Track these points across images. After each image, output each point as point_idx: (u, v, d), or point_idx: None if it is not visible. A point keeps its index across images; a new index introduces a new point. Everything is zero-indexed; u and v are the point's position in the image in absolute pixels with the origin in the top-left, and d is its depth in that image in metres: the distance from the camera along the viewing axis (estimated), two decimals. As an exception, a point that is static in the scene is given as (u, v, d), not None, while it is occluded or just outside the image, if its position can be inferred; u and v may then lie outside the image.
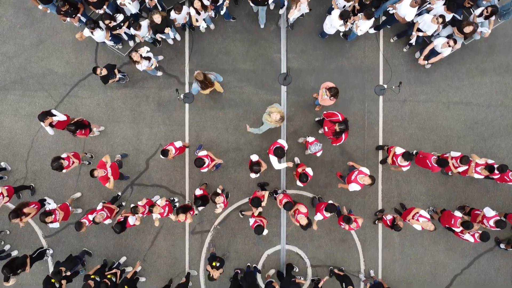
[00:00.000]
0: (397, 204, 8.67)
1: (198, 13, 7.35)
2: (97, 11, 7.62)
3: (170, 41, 8.57)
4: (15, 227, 8.77)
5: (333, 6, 7.46)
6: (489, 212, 7.33)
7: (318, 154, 7.37)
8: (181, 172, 8.73)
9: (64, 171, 7.29)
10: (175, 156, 7.62)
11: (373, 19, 7.26)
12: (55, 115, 7.25)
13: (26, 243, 8.79)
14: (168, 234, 8.77)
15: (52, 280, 7.44)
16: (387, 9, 7.79)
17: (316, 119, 8.51)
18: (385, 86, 8.41)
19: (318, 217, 7.14)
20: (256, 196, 7.25)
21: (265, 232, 7.27)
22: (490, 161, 7.19)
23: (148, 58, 7.53)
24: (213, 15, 7.93)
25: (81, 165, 8.69)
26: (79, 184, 8.74)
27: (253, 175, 7.24)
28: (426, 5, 7.51)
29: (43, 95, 8.72)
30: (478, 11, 7.37)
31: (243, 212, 8.54)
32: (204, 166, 7.21)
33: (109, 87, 8.64)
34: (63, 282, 7.41)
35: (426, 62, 8.04)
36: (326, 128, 7.31)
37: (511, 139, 8.65)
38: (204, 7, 7.24)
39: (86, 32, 7.48)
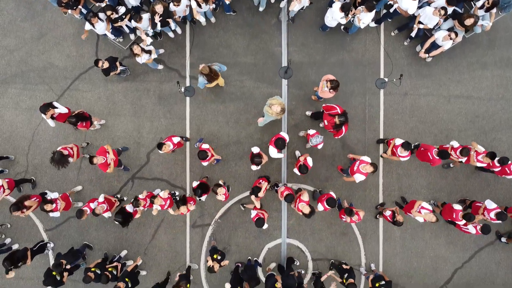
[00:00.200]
0: (398, 198, 8.66)
1: (200, 6, 7.35)
2: (97, 4, 7.63)
3: (171, 35, 8.58)
4: (16, 221, 8.77)
5: (334, -1, 7.47)
6: (490, 204, 7.32)
7: (319, 147, 7.37)
8: (182, 166, 8.73)
9: (70, 159, 7.36)
10: (172, 151, 7.60)
11: (374, 11, 7.27)
12: (56, 107, 7.25)
13: (27, 236, 8.78)
14: (169, 228, 8.76)
15: (53, 273, 7.46)
16: (388, 2, 7.79)
17: (307, 113, 8.51)
18: (386, 79, 8.40)
19: (320, 207, 7.13)
20: (256, 185, 7.24)
21: (265, 226, 7.28)
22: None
23: (149, 52, 7.53)
24: (214, 8, 7.92)
25: (82, 159, 8.69)
26: (80, 178, 8.74)
27: (254, 167, 7.25)
28: (427, -2, 7.52)
29: (43, 89, 8.72)
30: (479, 3, 7.38)
31: (244, 205, 8.54)
32: (207, 158, 7.22)
33: (110, 80, 8.64)
34: (65, 274, 7.39)
35: (427, 55, 8.05)
36: (325, 121, 7.32)
37: (512, 133, 8.67)
38: (205, 0, 7.24)
39: (88, 26, 7.49)
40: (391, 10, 7.77)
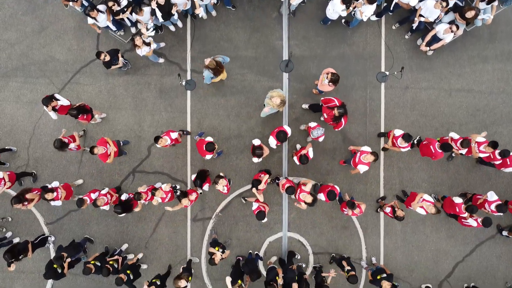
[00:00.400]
0: (399, 191, 8.66)
1: (201, -1, 7.35)
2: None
3: (172, 28, 8.58)
4: (17, 214, 8.77)
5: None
6: (492, 196, 7.32)
7: (321, 139, 7.38)
8: (183, 159, 8.72)
9: (71, 145, 7.41)
10: (169, 146, 7.59)
11: (375, 3, 7.27)
12: (58, 99, 7.26)
13: (28, 230, 8.78)
14: (170, 221, 8.76)
15: (54, 265, 7.45)
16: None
17: (304, 106, 8.51)
18: (387, 73, 8.40)
19: (321, 197, 7.14)
20: (257, 178, 7.24)
21: (265, 219, 7.28)
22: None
23: (149, 44, 7.51)
24: (215, 2, 7.93)
25: (83, 152, 8.69)
26: (81, 171, 8.73)
27: (255, 159, 7.26)
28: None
29: (44, 82, 8.72)
30: (480, -5, 7.38)
31: (245, 198, 8.54)
32: (213, 151, 7.17)
33: (111, 74, 8.64)
34: (65, 264, 7.38)
35: (428, 48, 8.04)
36: (325, 114, 7.34)
37: (513, 126, 8.67)
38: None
39: (90, 20, 7.50)
40: (392, 3, 7.77)
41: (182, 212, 8.73)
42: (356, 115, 8.64)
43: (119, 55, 7.72)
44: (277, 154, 8.66)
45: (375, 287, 7.59)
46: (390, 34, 8.66)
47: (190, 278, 7.34)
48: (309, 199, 6.92)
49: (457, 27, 7.45)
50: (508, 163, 7.44)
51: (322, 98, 7.39)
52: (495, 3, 7.43)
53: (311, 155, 7.09)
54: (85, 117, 7.67)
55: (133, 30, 8.59)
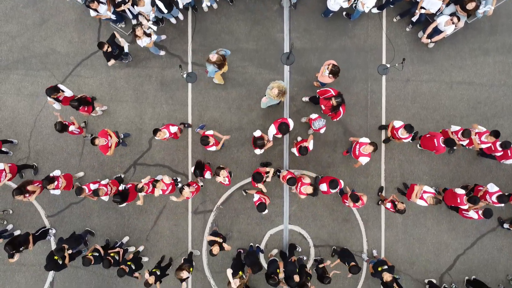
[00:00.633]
0: (400, 184, 8.66)
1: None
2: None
3: (173, 21, 8.58)
4: (18, 207, 8.77)
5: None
6: (492, 187, 7.32)
7: (322, 131, 7.38)
8: (184, 152, 8.72)
9: (72, 127, 7.46)
10: (167, 139, 7.59)
11: (376, -6, 7.28)
12: (63, 91, 7.27)
13: (29, 222, 8.78)
14: (171, 214, 8.76)
15: (55, 257, 7.45)
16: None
17: (304, 99, 8.52)
18: (388, 65, 8.39)
19: (323, 187, 7.14)
20: (258, 171, 7.24)
21: (266, 211, 7.28)
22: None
23: (150, 35, 7.50)
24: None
25: (83, 145, 8.69)
26: (82, 164, 8.73)
27: (258, 151, 7.25)
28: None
29: (46, 75, 8.72)
30: (482, -13, 7.38)
31: (246, 191, 8.54)
32: (210, 145, 7.17)
33: (112, 66, 8.64)
34: (66, 255, 7.37)
35: (429, 40, 8.04)
36: (323, 106, 7.36)
37: (514, 119, 8.66)
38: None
39: (92, 13, 7.50)
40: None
41: (183, 205, 8.73)
42: (357, 107, 8.64)
43: (117, 37, 7.59)
44: (278, 147, 8.66)
45: (377, 280, 7.60)
46: (391, 27, 8.66)
47: (191, 269, 7.34)
48: (310, 190, 6.94)
49: (458, 19, 7.44)
50: (509, 154, 7.45)
51: (318, 90, 7.41)
52: (496, -5, 7.44)
53: (311, 146, 7.09)
54: (86, 109, 7.69)
55: (134, 22, 8.57)
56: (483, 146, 7.22)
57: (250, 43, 8.69)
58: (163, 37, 8.58)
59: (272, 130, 7.04)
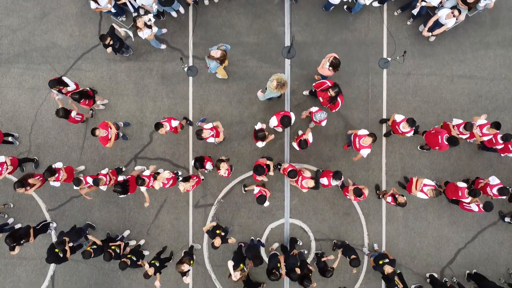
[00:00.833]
0: (401, 178, 8.66)
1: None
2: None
3: (174, 14, 8.58)
4: (19, 200, 8.77)
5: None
6: (494, 180, 7.31)
7: (323, 123, 7.38)
8: (185, 146, 8.72)
9: (73, 113, 7.49)
10: (166, 132, 7.58)
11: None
12: (67, 85, 7.27)
13: (30, 216, 8.77)
14: (171, 208, 8.76)
15: (56, 250, 7.44)
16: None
17: (304, 92, 8.54)
18: (389, 59, 8.40)
19: (324, 181, 7.13)
20: (259, 163, 7.23)
21: (267, 203, 7.27)
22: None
23: (150, 27, 7.49)
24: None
25: (84, 139, 8.69)
26: (82, 158, 8.73)
27: (260, 144, 7.24)
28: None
29: (46, 68, 8.71)
30: (482, -21, 7.38)
31: (246, 188, 8.51)
32: (205, 138, 7.15)
33: (113, 60, 8.64)
34: (67, 248, 7.37)
35: (430, 34, 8.04)
36: (320, 98, 7.38)
37: (515, 113, 8.66)
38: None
39: (93, 4, 7.48)
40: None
41: (184, 198, 8.73)
42: (358, 101, 8.64)
43: (116, 29, 7.53)
44: (279, 141, 8.66)
45: (378, 274, 7.59)
46: (392, 20, 8.66)
47: (192, 262, 7.34)
48: (311, 183, 6.94)
49: (459, 12, 7.45)
50: (511, 148, 7.44)
51: (313, 84, 7.41)
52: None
53: (310, 139, 7.09)
54: (86, 102, 7.67)
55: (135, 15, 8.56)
56: (485, 138, 7.21)
57: (251, 36, 8.69)
58: (164, 30, 8.58)
59: (274, 121, 7.04)
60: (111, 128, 7.31)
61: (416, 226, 8.73)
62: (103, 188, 7.34)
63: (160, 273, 7.48)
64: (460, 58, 8.66)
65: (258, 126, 7.18)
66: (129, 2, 7.82)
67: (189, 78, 8.67)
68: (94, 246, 7.46)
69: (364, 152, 7.08)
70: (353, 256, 7.48)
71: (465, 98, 8.65)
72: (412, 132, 7.26)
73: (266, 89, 7.35)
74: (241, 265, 7.39)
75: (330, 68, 7.12)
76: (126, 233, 8.69)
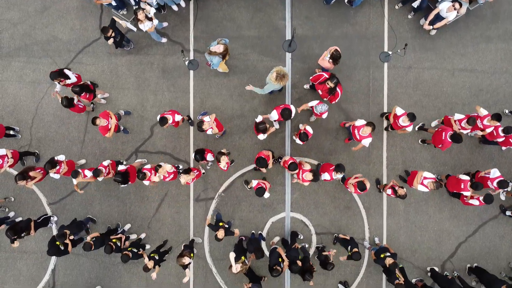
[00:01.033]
0: (401, 171, 8.66)
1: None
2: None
3: (175, 8, 8.57)
4: (20, 194, 8.77)
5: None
6: (495, 173, 7.31)
7: (324, 116, 7.37)
8: (186, 139, 8.72)
9: (75, 100, 7.46)
10: (167, 126, 7.58)
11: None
12: (69, 77, 7.26)
13: (31, 210, 8.77)
14: (172, 202, 8.75)
15: (57, 243, 7.44)
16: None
17: (305, 86, 8.55)
18: (390, 53, 8.39)
19: (325, 176, 7.12)
20: (261, 155, 7.23)
21: (267, 195, 7.25)
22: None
23: (151, 19, 7.48)
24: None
25: (85, 132, 8.69)
26: (83, 151, 8.73)
27: (261, 136, 7.24)
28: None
29: (47, 62, 8.71)
30: (483, -28, 7.37)
31: (248, 187, 8.47)
32: (206, 129, 7.15)
33: (114, 54, 8.64)
34: (68, 241, 7.37)
35: (431, 27, 8.04)
36: (319, 91, 7.37)
37: (516, 106, 8.66)
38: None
39: None
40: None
41: (185, 192, 8.72)
42: (359, 95, 8.64)
43: (117, 21, 7.52)
44: (280, 135, 8.66)
45: (379, 268, 7.58)
46: (393, 14, 8.66)
47: (192, 255, 7.33)
48: (310, 177, 6.97)
49: (460, 5, 7.46)
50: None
51: (310, 78, 7.40)
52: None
53: (310, 131, 7.09)
54: (87, 96, 7.66)
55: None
56: (488, 130, 7.20)
57: (252, 30, 8.69)
58: (165, 24, 8.57)
59: (274, 115, 7.04)
60: (111, 118, 7.30)
61: (417, 219, 8.73)
62: (99, 178, 7.30)
63: (160, 266, 7.47)
64: (461, 52, 8.66)
65: (259, 118, 7.18)
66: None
67: (190, 71, 8.67)
68: (95, 238, 7.45)
69: (366, 142, 7.07)
70: (354, 249, 7.47)
71: (466, 92, 8.65)
72: (411, 126, 7.23)
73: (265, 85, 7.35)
74: (242, 257, 7.37)
75: (330, 60, 7.13)
76: (127, 226, 8.69)
